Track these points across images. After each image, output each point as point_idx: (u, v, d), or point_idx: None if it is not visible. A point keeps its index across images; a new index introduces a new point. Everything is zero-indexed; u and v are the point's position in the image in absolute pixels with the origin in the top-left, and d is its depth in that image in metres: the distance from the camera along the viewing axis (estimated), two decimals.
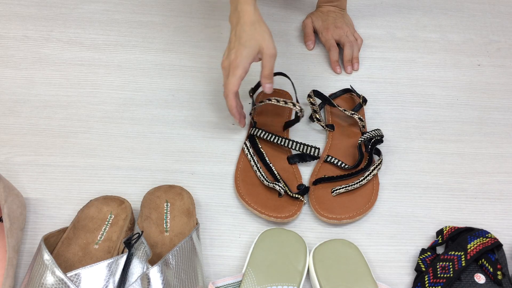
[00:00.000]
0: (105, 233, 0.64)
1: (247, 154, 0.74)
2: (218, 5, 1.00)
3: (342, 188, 0.70)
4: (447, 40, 0.98)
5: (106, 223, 0.65)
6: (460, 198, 0.74)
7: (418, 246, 0.68)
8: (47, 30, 0.92)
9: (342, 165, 0.73)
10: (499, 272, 0.62)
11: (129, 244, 0.59)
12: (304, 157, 0.75)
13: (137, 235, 0.60)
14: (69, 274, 0.55)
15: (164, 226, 0.65)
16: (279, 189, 0.69)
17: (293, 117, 0.82)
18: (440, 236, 0.68)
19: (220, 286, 0.60)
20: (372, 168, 0.73)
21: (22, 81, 0.84)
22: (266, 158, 0.74)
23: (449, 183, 0.76)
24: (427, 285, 0.62)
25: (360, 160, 0.73)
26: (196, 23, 0.96)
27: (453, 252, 0.64)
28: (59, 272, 0.54)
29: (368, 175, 0.72)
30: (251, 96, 0.81)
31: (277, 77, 0.88)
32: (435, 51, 0.96)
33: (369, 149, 0.75)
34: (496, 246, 0.65)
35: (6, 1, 0.96)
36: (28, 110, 0.80)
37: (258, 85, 0.82)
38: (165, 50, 0.91)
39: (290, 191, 0.69)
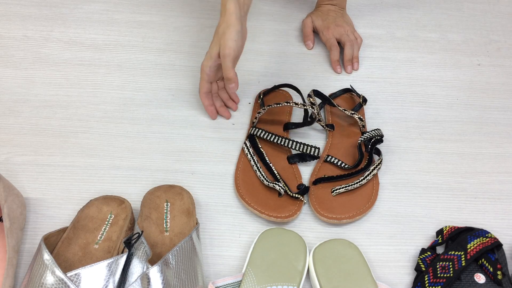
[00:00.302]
0: (105, 233, 0.65)
1: (247, 154, 0.74)
2: (218, 5, 1.00)
3: (342, 188, 0.70)
4: (447, 40, 0.98)
5: (106, 223, 0.65)
6: (460, 198, 0.74)
7: (418, 246, 0.68)
8: (47, 30, 0.92)
9: (342, 165, 0.73)
10: (499, 272, 0.62)
11: (129, 244, 0.59)
12: (304, 157, 0.75)
13: (137, 235, 0.61)
14: (69, 274, 0.55)
15: (164, 226, 0.66)
16: (279, 189, 0.69)
17: (293, 118, 0.82)
18: (440, 236, 0.68)
19: (220, 286, 0.60)
20: (372, 168, 0.73)
21: (22, 81, 0.84)
22: (266, 157, 0.74)
23: (449, 183, 0.76)
24: (427, 285, 0.62)
25: (360, 160, 0.73)
26: (196, 23, 0.96)
27: (453, 252, 0.64)
28: (59, 272, 0.54)
29: (368, 175, 0.72)
30: (261, 98, 0.81)
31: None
32: (435, 51, 0.96)
33: (369, 149, 0.74)
34: (496, 246, 0.65)
35: (6, 1, 0.96)
36: (28, 110, 0.80)
37: (271, 89, 0.82)
38: (165, 50, 0.91)
39: (290, 191, 0.69)
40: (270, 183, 0.70)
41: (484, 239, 0.65)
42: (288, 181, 0.72)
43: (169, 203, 0.68)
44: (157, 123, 0.80)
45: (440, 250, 0.67)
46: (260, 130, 0.76)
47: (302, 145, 0.75)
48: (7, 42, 0.89)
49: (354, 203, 0.70)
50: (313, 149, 0.74)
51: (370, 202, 0.70)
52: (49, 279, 0.54)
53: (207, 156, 0.76)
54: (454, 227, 0.68)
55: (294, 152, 0.76)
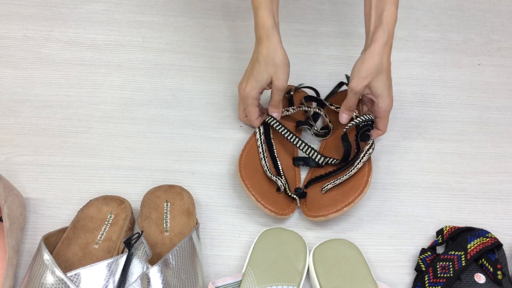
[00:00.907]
0: (105, 233, 0.65)
1: (257, 139, 0.74)
2: (218, 5, 1.00)
3: (330, 184, 0.69)
4: (447, 40, 0.98)
5: (106, 223, 0.66)
6: (460, 197, 0.74)
7: (418, 246, 0.68)
8: (47, 30, 0.92)
9: (331, 161, 0.72)
10: (499, 272, 0.62)
11: (129, 244, 0.59)
12: (308, 162, 0.74)
13: (137, 235, 0.61)
14: (69, 274, 0.55)
15: (164, 226, 0.66)
16: (281, 184, 0.69)
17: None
18: (440, 236, 0.68)
19: (220, 286, 0.60)
20: (361, 155, 0.69)
21: (22, 81, 0.84)
22: (275, 150, 0.73)
23: (449, 182, 0.76)
24: (427, 285, 0.62)
25: (347, 151, 0.71)
26: (196, 23, 0.96)
27: (453, 252, 0.64)
28: (59, 272, 0.54)
29: (357, 164, 0.69)
30: (290, 94, 0.80)
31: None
32: (436, 50, 0.96)
33: (356, 137, 0.71)
34: (496, 246, 0.65)
35: (6, 1, 0.96)
36: (28, 110, 0.80)
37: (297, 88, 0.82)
38: (165, 50, 0.91)
39: (289, 190, 0.69)
40: (273, 176, 0.69)
41: (484, 239, 0.65)
42: (288, 181, 0.72)
43: (169, 203, 0.68)
44: (157, 123, 0.80)
45: (440, 250, 0.67)
46: (275, 121, 0.74)
47: (309, 149, 0.73)
48: (7, 42, 0.89)
49: (343, 195, 0.67)
50: (318, 156, 0.73)
51: (361, 190, 0.67)
52: (49, 279, 0.54)
53: (207, 156, 0.76)
54: (454, 227, 0.68)
55: (300, 154, 0.76)
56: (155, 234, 0.64)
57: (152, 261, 0.59)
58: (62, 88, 0.83)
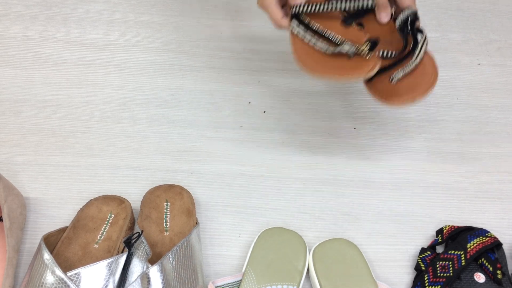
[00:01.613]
0: (105, 232, 0.65)
1: (298, 32, 0.66)
2: (218, 5, 1.00)
3: (400, 72, 0.64)
4: (447, 39, 0.98)
5: (106, 222, 0.66)
6: (460, 197, 0.74)
7: (417, 245, 0.68)
8: (47, 30, 0.92)
9: (390, 55, 0.66)
10: (499, 271, 0.62)
11: (129, 244, 0.59)
12: (360, 13, 0.67)
13: (137, 234, 0.61)
14: (69, 274, 0.55)
15: (164, 225, 0.66)
16: (349, 48, 0.61)
17: None
18: (440, 235, 0.68)
19: (220, 286, 0.60)
20: (420, 45, 0.66)
21: (22, 81, 0.84)
22: (320, 28, 0.65)
23: (449, 182, 0.76)
24: (427, 284, 0.62)
25: (407, 40, 0.66)
26: (196, 23, 0.96)
27: (452, 251, 0.64)
28: (59, 272, 0.55)
29: (418, 53, 0.65)
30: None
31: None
32: (435, 50, 0.95)
33: (409, 29, 0.67)
34: (496, 245, 0.65)
35: (6, 1, 0.96)
36: (28, 110, 0.80)
37: None
38: (165, 50, 0.91)
39: (360, 50, 0.62)
40: (337, 46, 0.62)
41: (484, 238, 0.65)
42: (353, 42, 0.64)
43: (169, 203, 0.68)
44: (157, 123, 0.80)
45: (440, 249, 0.67)
46: (302, 6, 0.66)
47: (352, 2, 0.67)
48: (7, 42, 0.89)
49: (420, 81, 0.64)
50: (365, 1, 0.66)
51: (433, 75, 0.64)
52: (49, 278, 0.54)
53: (207, 156, 0.76)
54: (454, 226, 0.68)
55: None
56: (155, 234, 0.64)
57: (152, 261, 0.59)
58: (62, 88, 0.83)
